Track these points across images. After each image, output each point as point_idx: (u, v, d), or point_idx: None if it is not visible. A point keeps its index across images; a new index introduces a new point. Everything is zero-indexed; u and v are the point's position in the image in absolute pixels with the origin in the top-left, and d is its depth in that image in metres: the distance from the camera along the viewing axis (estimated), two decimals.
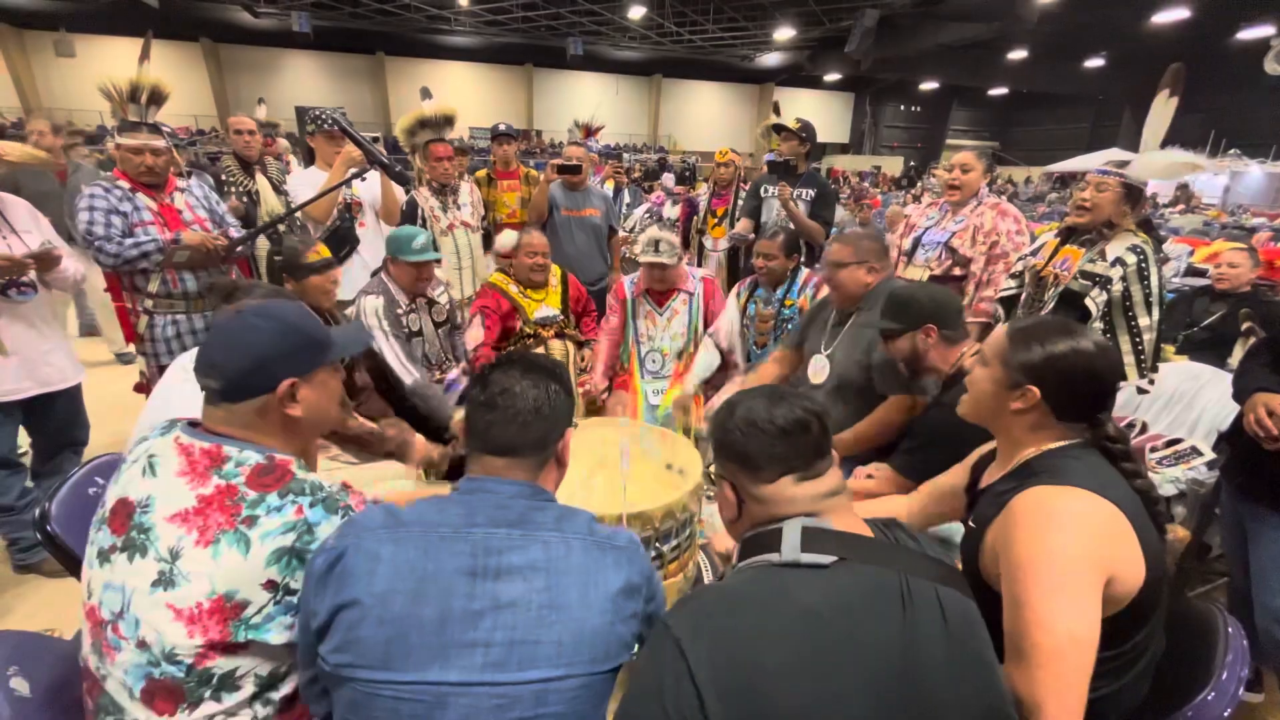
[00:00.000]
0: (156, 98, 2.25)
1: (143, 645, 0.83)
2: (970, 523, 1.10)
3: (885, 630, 0.72)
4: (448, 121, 3.16)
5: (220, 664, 0.85)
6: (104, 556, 0.89)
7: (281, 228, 2.68)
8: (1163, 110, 2.04)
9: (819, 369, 2.07)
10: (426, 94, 3.58)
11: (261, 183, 3.41)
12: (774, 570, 0.78)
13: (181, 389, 1.40)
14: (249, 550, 0.85)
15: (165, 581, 0.84)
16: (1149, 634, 0.98)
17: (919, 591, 0.75)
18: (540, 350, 2.69)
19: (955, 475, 1.30)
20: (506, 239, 2.77)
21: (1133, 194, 1.99)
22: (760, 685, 0.68)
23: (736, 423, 0.87)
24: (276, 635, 0.86)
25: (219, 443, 0.92)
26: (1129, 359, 1.98)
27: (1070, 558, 0.88)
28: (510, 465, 0.90)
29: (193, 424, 0.96)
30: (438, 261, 2.48)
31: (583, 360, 2.83)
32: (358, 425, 1.93)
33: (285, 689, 0.92)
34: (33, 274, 2.06)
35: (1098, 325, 1.99)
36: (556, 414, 0.92)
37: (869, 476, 1.69)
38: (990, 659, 0.77)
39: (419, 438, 2.00)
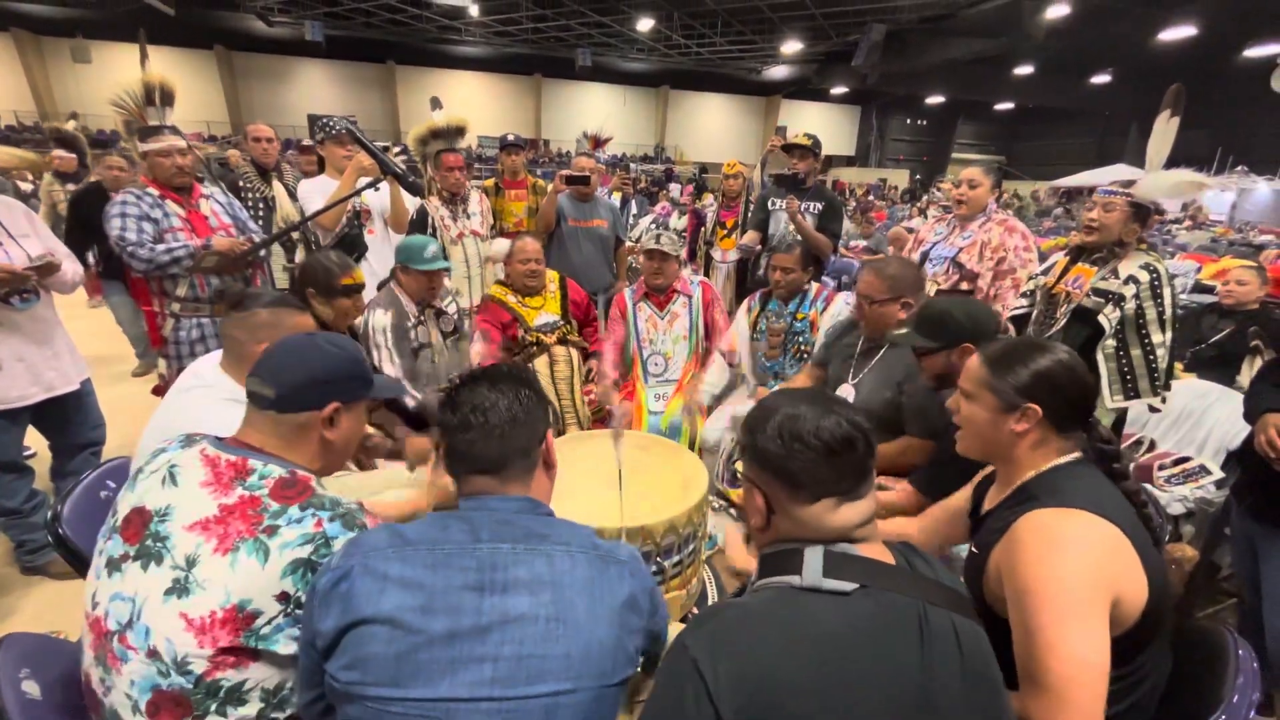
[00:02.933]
0: (168, 97, 2.29)
1: (153, 654, 0.83)
2: (973, 548, 1.10)
3: (904, 659, 0.71)
4: (459, 132, 3.19)
5: (229, 676, 0.85)
6: (114, 566, 0.89)
7: (295, 235, 2.71)
8: (1164, 131, 2.06)
9: (844, 398, 2.05)
10: (437, 104, 3.62)
11: (278, 189, 3.45)
12: (794, 593, 0.77)
13: (204, 397, 1.39)
14: (267, 559, 0.86)
15: (179, 589, 0.84)
16: (1154, 654, 0.97)
17: (936, 621, 0.75)
18: (544, 358, 2.69)
19: (961, 498, 1.29)
20: (499, 247, 2.78)
21: (1140, 213, 2.00)
22: (779, 708, 0.67)
23: (777, 431, 0.81)
24: (284, 646, 0.87)
25: (245, 455, 0.94)
26: (1143, 377, 1.97)
27: (1077, 582, 0.88)
28: (502, 481, 0.90)
29: (219, 439, 0.99)
30: (447, 270, 2.49)
31: (588, 369, 2.83)
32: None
33: (291, 709, 0.91)
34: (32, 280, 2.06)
35: (1110, 342, 1.99)
36: (532, 418, 0.92)
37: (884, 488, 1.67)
38: (1001, 688, 0.77)
39: (409, 437, 2.00)
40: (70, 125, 4.35)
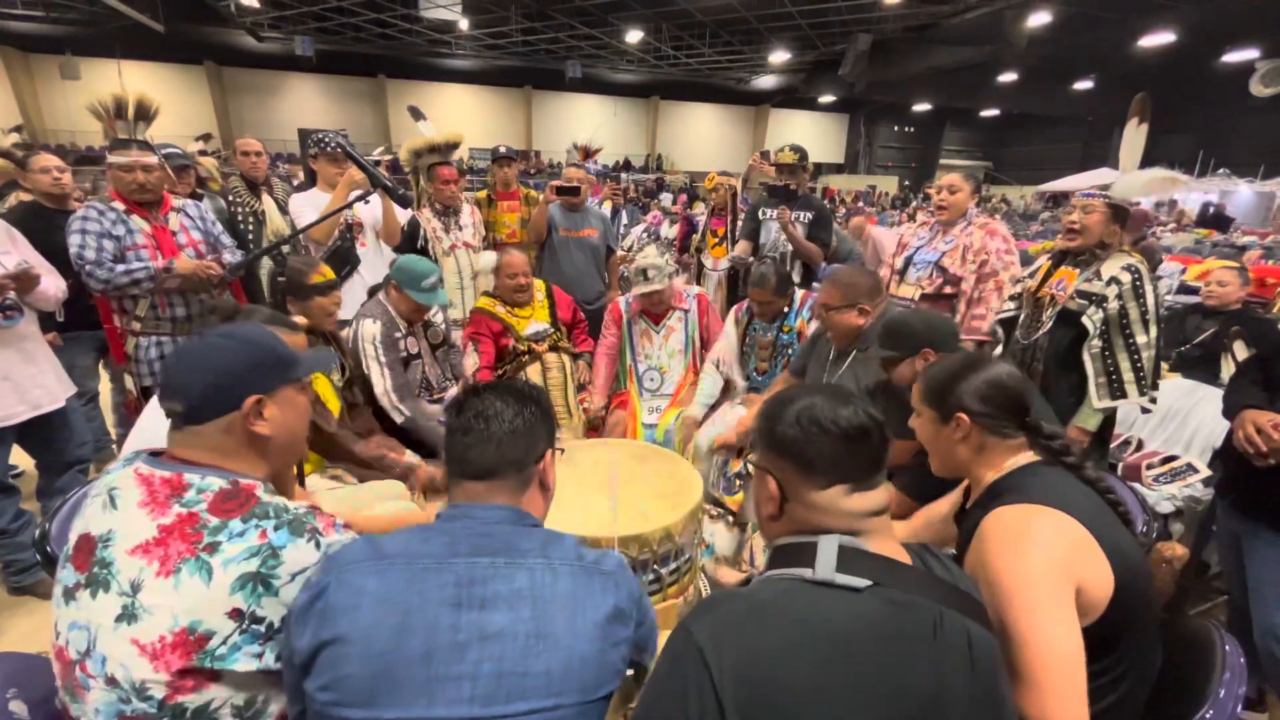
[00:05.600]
0: (143, 113, 2.22)
1: (112, 682, 0.81)
2: (954, 549, 1.14)
3: (914, 663, 0.70)
4: (453, 146, 3.22)
5: (192, 699, 0.83)
6: (69, 595, 0.87)
7: (285, 249, 2.71)
8: (1135, 137, 2.11)
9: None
10: (418, 114, 3.62)
11: (267, 203, 3.45)
12: (805, 587, 0.76)
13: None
14: (211, 578, 0.82)
15: (128, 615, 0.82)
16: (1134, 647, 0.99)
17: (951, 626, 0.74)
18: (535, 365, 2.70)
19: (944, 505, 1.33)
20: (486, 261, 2.79)
21: (1120, 214, 2.03)
22: (783, 704, 0.67)
23: (795, 417, 0.83)
24: (244, 664, 0.84)
25: (180, 470, 0.90)
26: (1128, 377, 2.00)
27: (1040, 573, 0.90)
28: (490, 489, 0.89)
29: (154, 454, 0.94)
30: (443, 304, 2.52)
31: (580, 373, 2.84)
32: (367, 449, 1.95)
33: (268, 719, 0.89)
34: (13, 295, 2.02)
35: (1096, 343, 2.01)
36: (533, 433, 0.92)
37: None
38: (1007, 695, 0.77)
39: (421, 465, 2.02)
40: (12, 139, 4.09)
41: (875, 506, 0.83)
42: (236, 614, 0.83)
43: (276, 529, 0.88)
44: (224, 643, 0.83)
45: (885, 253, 4.48)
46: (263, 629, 0.85)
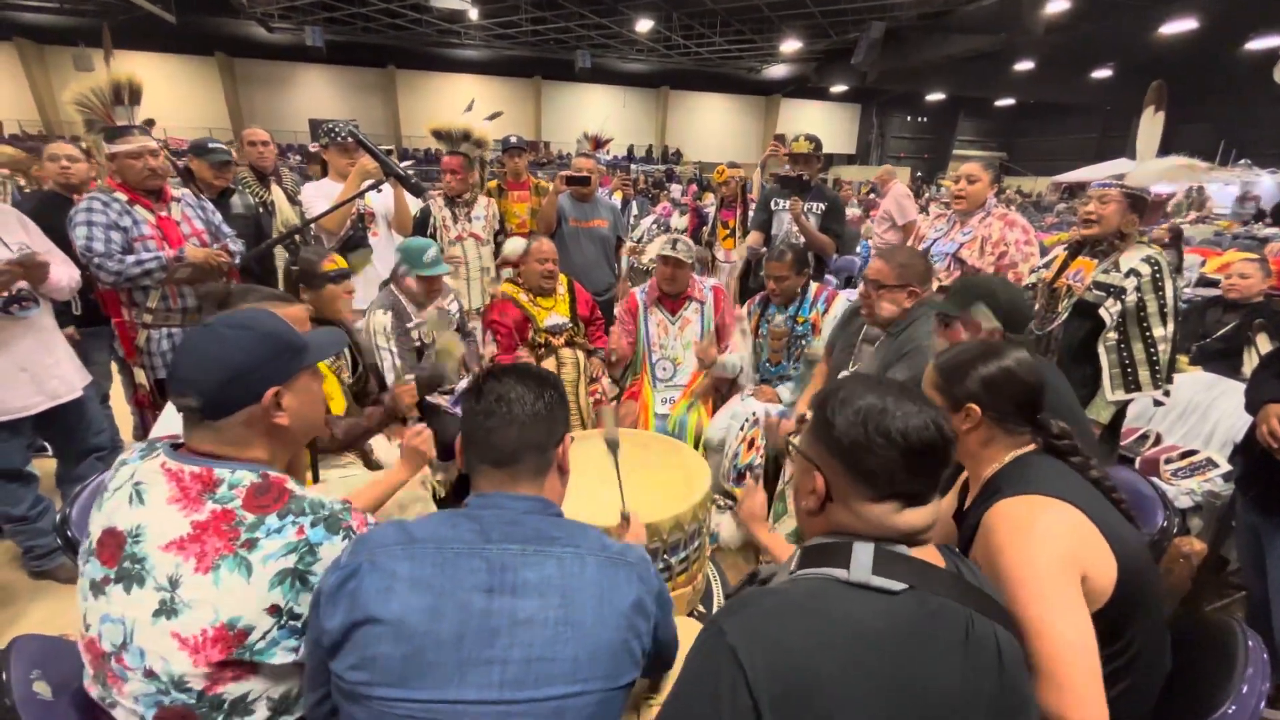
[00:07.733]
0: (136, 95, 2.15)
1: (150, 675, 0.83)
2: (956, 548, 1.13)
3: (945, 666, 0.70)
4: (465, 137, 3.22)
5: (231, 689, 0.84)
6: (97, 588, 0.86)
7: (297, 238, 2.72)
8: (1150, 126, 2.07)
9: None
10: (469, 107, 3.93)
11: (276, 193, 3.45)
12: (838, 587, 0.75)
13: None
14: (251, 574, 0.83)
15: (168, 610, 0.82)
16: (1141, 634, 0.98)
17: (981, 630, 0.73)
18: (551, 359, 2.71)
19: (946, 502, 1.31)
20: (514, 246, 2.80)
21: (1137, 203, 1.99)
22: (817, 700, 0.66)
23: (862, 420, 0.77)
24: (281, 657, 0.85)
25: (209, 465, 0.88)
26: (1144, 370, 1.97)
27: (1046, 563, 0.90)
28: (514, 476, 0.90)
29: (175, 445, 0.93)
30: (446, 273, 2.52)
31: (593, 368, 2.84)
32: (344, 427, 1.88)
33: (300, 710, 0.90)
34: (24, 285, 1.99)
35: (1112, 336, 1.98)
36: (554, 417, 0.93)
37: None
38: (1032, 698, 0.77)
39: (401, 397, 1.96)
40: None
41: (924, 524, 0.78)
42: (275, 610, 0.84)
43: (313, 525, 0.88)
44: (263, 637, 0.84)
45: (908, 213, 4.36)
46: (299, 625, 0.86)
